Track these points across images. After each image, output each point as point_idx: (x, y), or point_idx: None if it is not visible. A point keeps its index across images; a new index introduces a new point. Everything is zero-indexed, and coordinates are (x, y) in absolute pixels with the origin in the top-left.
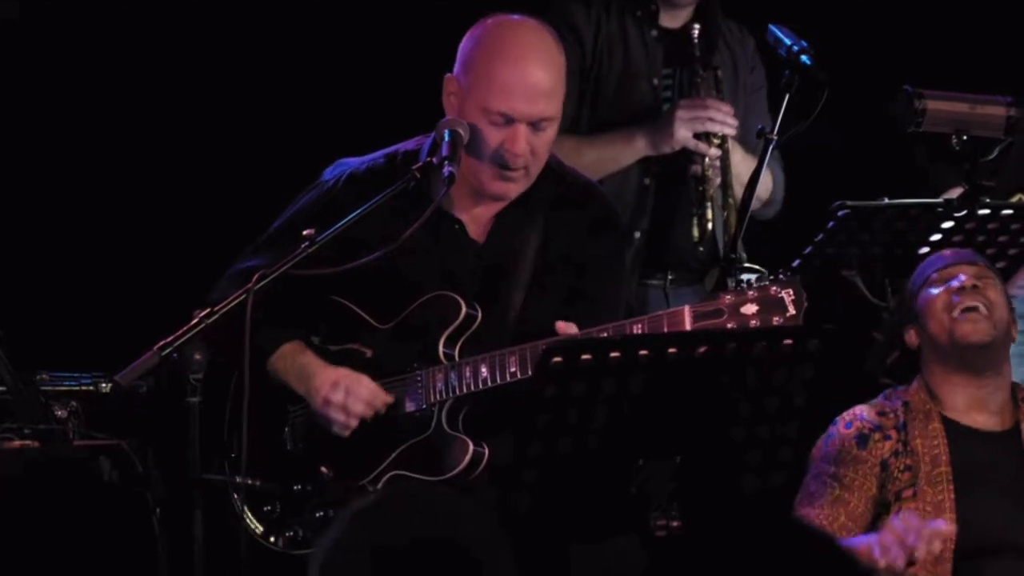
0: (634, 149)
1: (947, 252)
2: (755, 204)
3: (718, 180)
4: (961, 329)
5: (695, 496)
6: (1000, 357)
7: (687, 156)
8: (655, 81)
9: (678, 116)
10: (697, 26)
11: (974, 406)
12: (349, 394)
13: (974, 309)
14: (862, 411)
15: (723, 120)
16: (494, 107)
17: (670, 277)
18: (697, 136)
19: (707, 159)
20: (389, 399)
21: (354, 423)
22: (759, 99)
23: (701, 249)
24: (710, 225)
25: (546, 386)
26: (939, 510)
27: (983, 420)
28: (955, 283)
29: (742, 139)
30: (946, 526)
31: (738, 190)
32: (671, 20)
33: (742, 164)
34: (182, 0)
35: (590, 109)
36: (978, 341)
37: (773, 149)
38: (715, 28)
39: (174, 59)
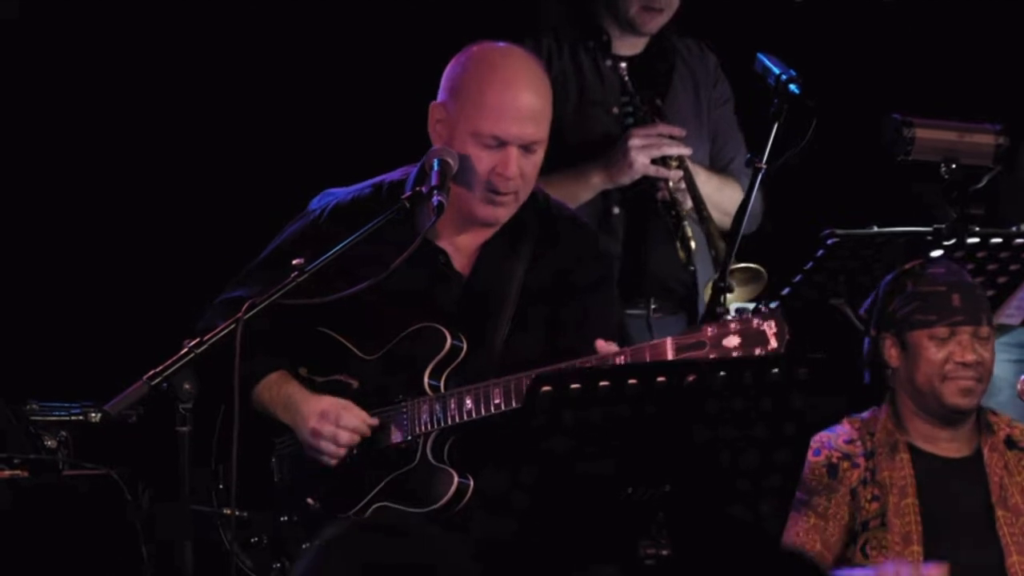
0: (590, 185)
1: (957, 297)
2: (727, 220)
3: (688, 200)
4: (952, 399)
5: (684, 524)
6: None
7: (651, 184)
8: (615, 110)
9: (632, 145)
10: (624, 64)
11: (945, 437)
12: (337, 424)
13: (970, 392)
14: (830, 439)
15: (674, 141)
16: (486, 130)
17: (653, 306)
18: (655, 162)
19: (671, 182)
20: (374, 422)
21: (343, 452)
22: (725, 113)
23: (692, 268)
24: (693, 244)
25: (535, 415)
26: (907, 541)
27: (950, 448)
28: (959, 357)
29: (712, 156)
30: (938, 570)
31: (710, 212)
32: (629, 48)
33: (707, 184)
34: (182, 1)
35: (550, 143)
36: (969, 408)
37: (762, 178)
38: (671, 52)
39: (173, 62)
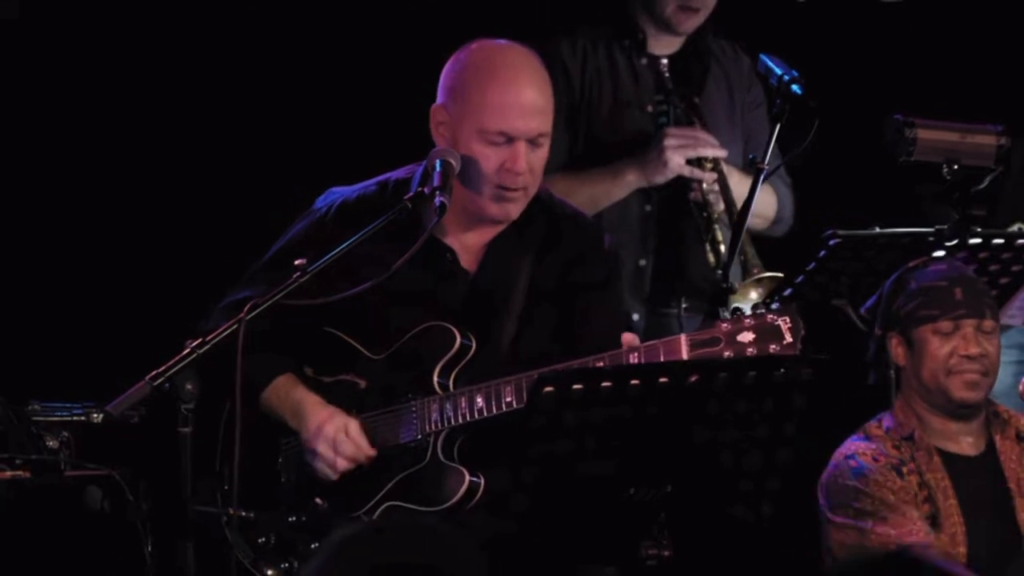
0: (624, 183)
1: (959, 291)
2: (761, 224)
3: (721, 203)
4: (959, 393)
5: (686, 525)
6: (985, 399)
7: (684, 184)
8: (648, 108)
9: (667, 145)
10: (665, 60)
11: (962, 433)
12: (335, 450)
13: (976, 385)
14: (877, 446)
15: (710, 142)
16: (492, 127)
17: (684, 306)
18: (690, 162)
19: (704, 184)
20: (372, 453)
21: (335, 477)
22: (759, 116)
23: (720, 272)
24: (723, 247)
25: (537, 415)
26: (954, 542)
27: (968, 445)
28: (963, 350)
29: (745, 158)
30: None
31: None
32: (664, 47)
33: (740, 186)
34: (182, 1)
35: (584, 141)
36: (976, 402)
37: (764, 178)
38: (706, 52)
39: (174, 62)
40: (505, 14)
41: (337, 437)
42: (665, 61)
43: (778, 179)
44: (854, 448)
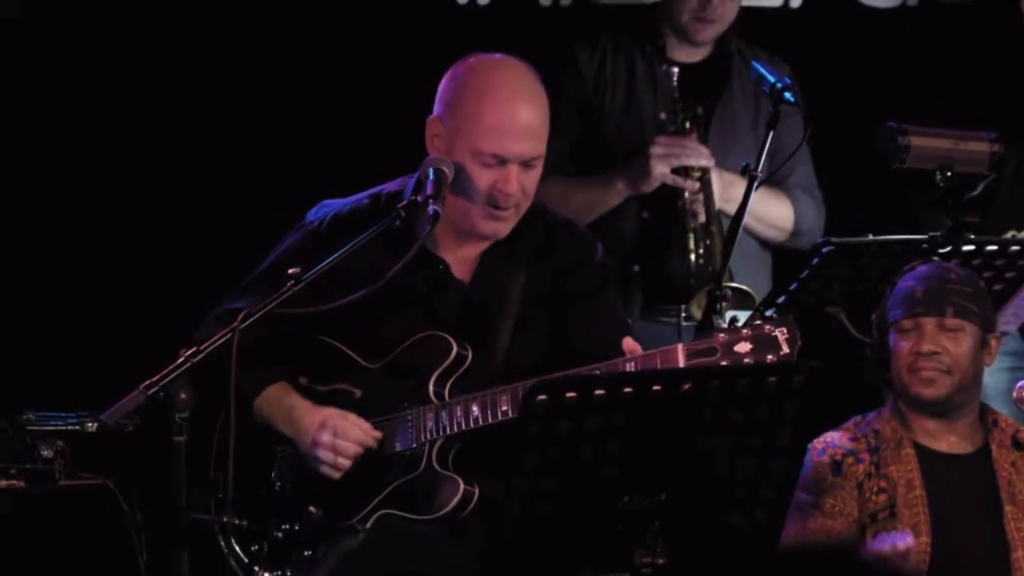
0: (615, 191)
1: (920, 290)
2: (778, 236)
3: (703, 214)
4: (916, 389)
5: (681, 533)
6: (963, 400)
7: (675, 192)
8: (662, 115)
9: (652, 153)
10: (676, 69)
11: (944, 431)
12: (337, 435)
13: (931, 381)
14: (834, 438)
15: (698, 152)
16: (486, 149)
17: (684, 314)
18: (676, 171)
19: (687, 193)
20: (378, 434)
21: (345, 464)
22: (792, 126)
23: (692, 283)
24: (693, 256)
25: (531, 424)
26: (916, 532)
27: (953, 444)
28: (917, 347)
29: (772, 168)
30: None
31: (755, 224)
32: (688, 55)
33: (760, 203)
34: (182, 7)
35: (593, 146)
36: (934, 398)
37: (758, 185)
38: (728, 62)
39: (173, 66)
40: (516, 24)
41: (337, 423)
42: (676, 69)
43: (799, 190)
44: (819, 439)
